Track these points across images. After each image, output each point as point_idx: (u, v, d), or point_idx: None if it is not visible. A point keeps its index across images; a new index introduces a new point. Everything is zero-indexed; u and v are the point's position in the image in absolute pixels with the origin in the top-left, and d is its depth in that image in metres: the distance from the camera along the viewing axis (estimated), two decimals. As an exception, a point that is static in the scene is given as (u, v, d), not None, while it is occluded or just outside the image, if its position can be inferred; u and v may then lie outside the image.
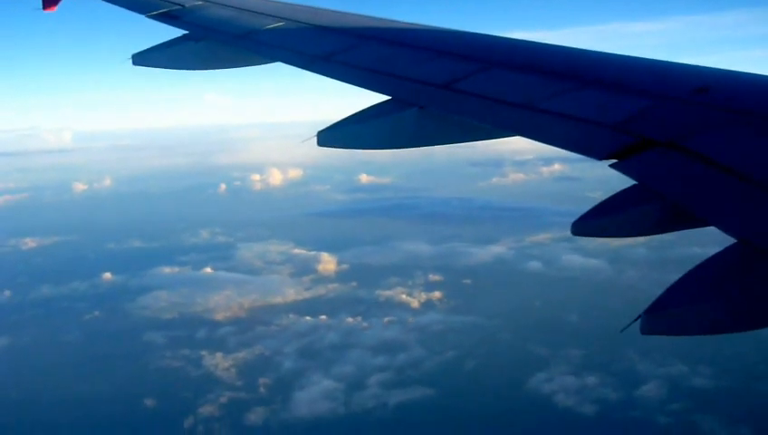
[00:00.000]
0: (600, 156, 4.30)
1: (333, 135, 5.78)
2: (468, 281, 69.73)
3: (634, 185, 4.01)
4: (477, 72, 5.82)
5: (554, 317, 57.53)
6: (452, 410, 43.17)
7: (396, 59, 6.47)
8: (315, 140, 5.75)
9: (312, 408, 44.64)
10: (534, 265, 75.10)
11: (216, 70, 8.10)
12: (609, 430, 40.57)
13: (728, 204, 3.58)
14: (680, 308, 3.36)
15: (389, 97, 5.85)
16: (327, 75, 6.48)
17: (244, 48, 7.56)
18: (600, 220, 4.14)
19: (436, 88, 5.74)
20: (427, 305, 63.43)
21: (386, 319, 60.32)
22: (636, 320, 3.38)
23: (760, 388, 42.85)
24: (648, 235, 4.11)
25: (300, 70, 6.89)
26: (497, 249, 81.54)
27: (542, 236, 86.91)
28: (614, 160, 4.22)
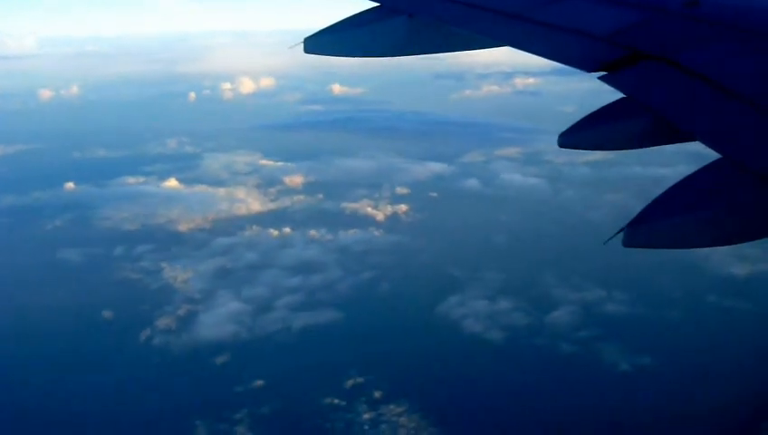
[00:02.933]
0: (589, 68, 4.19)
1: (320, 42, 5.60)
2: (400, 198, 68.02)
3: (623, 98, 3.95)
4: None
5: (481, 238, 56.24)
6: (353, 336, 41.60)
7: None
8: (299, 47, 5.58)
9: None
10: (472, 182, 73.57)
11: None
12: (511, 357, 39.03)
13: (715, 120, 3.57)
14: (663, 221, 3.32)
15: (378, 4, 5.64)
16: None
17: None
18: (587, 132, 4.06)
19: None
20: (355, 223, 61.67)
21: (311, 232, 59.08)
22: (619, 232, 3.35)
23: (671, 316, 42.34)
24: (634, 148, 4.05)
25: None
26: (437, 166, 79.59)
27: (485, 153, 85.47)
28: (603, 73, 4.13)
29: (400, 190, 70.26)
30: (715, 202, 3.26)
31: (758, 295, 43.58)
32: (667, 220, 3.31)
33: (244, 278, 50.28)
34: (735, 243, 3.43)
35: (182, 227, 61.54)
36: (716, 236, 3.36)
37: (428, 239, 56.83)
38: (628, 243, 3.36)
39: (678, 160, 65.52)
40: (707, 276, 46.52)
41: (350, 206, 66.25)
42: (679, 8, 4.59)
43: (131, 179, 78.13)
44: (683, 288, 45.43)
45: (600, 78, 4.14)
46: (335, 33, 5.63)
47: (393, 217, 63.02)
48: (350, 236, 58.27)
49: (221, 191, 72.58)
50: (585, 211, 61.87)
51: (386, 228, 60.04)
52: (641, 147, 4.02)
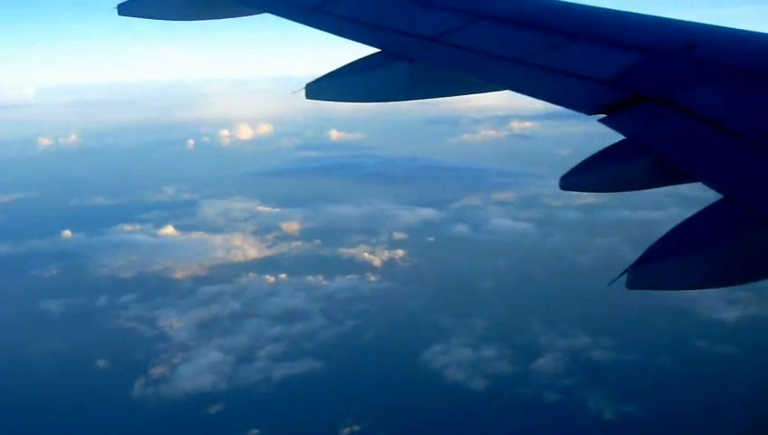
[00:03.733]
0: (590, 111, 4.24)
1: (322, 87, 5.65)
2: (389, 245, 67.46)
3: (623, 140, 3.98)
4: (467, 26, 5.73)
5: (468, 284, 55.53)
6: (334, 386, 40.89)
7: (386, 11, 6.35)
8: (301, 93, 5.65)
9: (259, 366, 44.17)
10: (461, 228, 73.13)
11: (194, 21, 8.02)
12: (493, 406, 38.26)
13: (716, 160, 3.60)
14: (666, 262, 3.29)
15: (379, 50, 5.70)
16: (316, 27, 6.35)
17: None
18: (588, 175, 4.06)
19: (427, 41, 5.64)
20: (351, 269, 60.99)
21: (308, 278, 58.39)
22: (622, 274, 3.30)
23: (659, 362, 41.78)
24: (635, 190, 4.06)
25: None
26: (426, 212, 79.13)
27: (477, 198, 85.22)
28: (603, 115, 4.18)
29: (397, 236, 70.02)
30: (717, 243, 3.25)
31: (747, 341, 43.10)
32: (670, 261, 3.29)
33: (230, 327, 49.70)
34: (739, 284, 3.43)
35: (178, 275, 61.22)
36: (719, 278, 3.35)
37: (415, 286, 56.22)
38: (631, 284, 3.32)
39: (669, 204, 65.87)
40: (697, 321, 46.02)
41: (346, 251, 66.28)
42: (678, 50, 4.67)
43: (128, 227, 77.82)
44: (671, 333, 44.90)
45: (600, 120, 4.18)
46: (337, 79, 5.68)
47: (390, 263, 62.64)
48: (337, 283, 57.58)
49: (218, 238, 72.25)
50: (574, 256, 61.53)
51: (382, 274, 59.65)
52: (643, 188, 4.04)
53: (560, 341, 44.94)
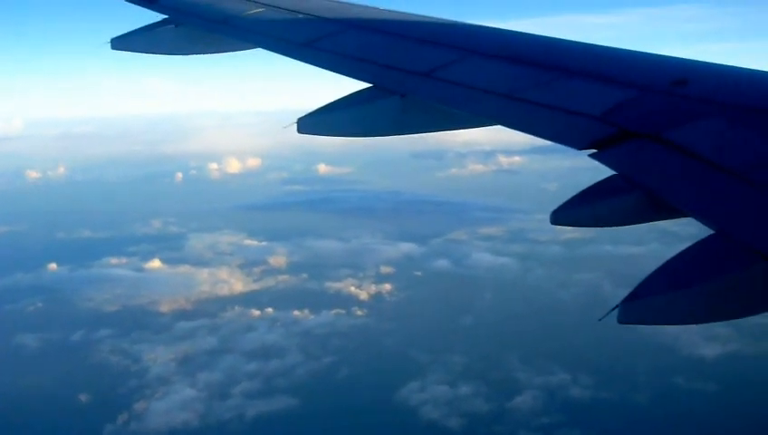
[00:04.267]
0: (581, 146, 4.29)
1: (314, 122, 5.68)
2: (375, 280, 67.19)
3: (613, 175, 3.99)
4: (459, 61, 5.76)
5: (447, 320, 55.19)
6: (308, 424, 40.54)
7: (378, 46, 6.39)
8: (290, 127, 5.70)
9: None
10: (442, 263, 72.69)
11: (189, 55, 8.07)
12: None
13: (706, 196, 3.62)
14: (658, 297, 3.30)
15: (371, 84, 5.72)
16: (308, 62, 6.34)
17: (225, 33, 7.43)
18: (579, 210, 4.10)
19: (418, 76, 5.65)
20: (338, 303, 60.94)
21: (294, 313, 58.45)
22: (614, 309, 3.29)
23: (637, 400, 41.39)
24: (626, 225, 4.06)
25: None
26: (408, 246, 78.81)
27: (459, 232, 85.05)
28: (594, 151, 4.22)
29: (382, 270, 69.78)
30: (709, 278, 3.22)
31: (727, 377, 43.00)
32: (661, 296, 3.29)
33: (206, 363, 49.41)
34: (730, 319, 3.42)
35: (163, 309, 60.88)
36: (711, 312, 3.35)
37: (394, 321, 55.84)
38: (623, 319, 3.29)
39: (651, 239, 66.09)
40: (677, 358, 45.86)
41: (333, 285, 66.28)
42: (667, 87, 4.70)
43: (114, 260, 77.32)
44: (652, 370, 44.64)
45: (590, 156, 4.20)
46: (328, 114, 5.69)
47: (376, 297, 62.47)
48: (315, 319, 57.26)
49: (204, 272, 71.87)
50: (554, 291, 61.40)
51: (369, 307, 59.52)
52: (633, 223, 4.04)
53: (538, 378, 44.61)
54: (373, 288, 64.81)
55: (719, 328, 45.46)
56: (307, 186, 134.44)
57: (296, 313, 59.04)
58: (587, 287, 59.95)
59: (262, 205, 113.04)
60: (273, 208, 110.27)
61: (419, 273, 69.99)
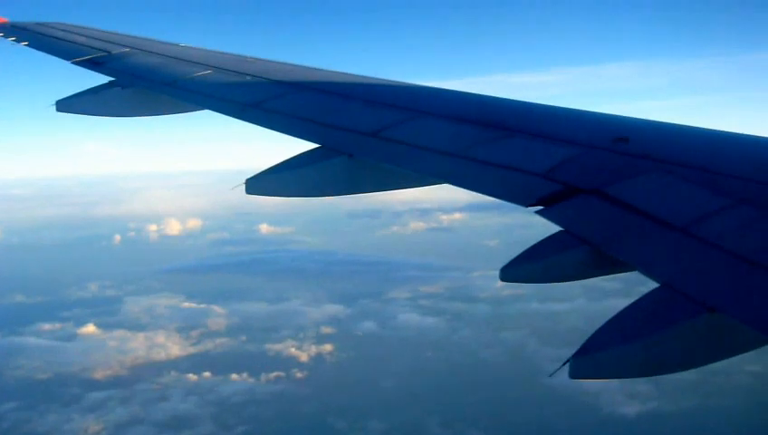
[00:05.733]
0: (527, 203, 4.34)
1: (262, 182, 5.62)
2: (308, 341, 66.46)
3: (560, 231, 4.04)
4: (405, 121, 5.81)
5: (369, 383, 54.50)
6: None
7: (325, 107, 6.40)
8: (234, 187, 5.64)
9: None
10: (368, 325, 71.99)
11: (134, 117, 7.91)
12: None
13: (651, 249, 3.67)
14: (607, 351, 3.30)
15: (319, 145, 5.73)
16: (256, 123, 6.30)
17: (173, 95, 7.39)
18: (528, 266, 4.08)
19: (365, 136, 5.69)
20: (277, 365, 60.07)
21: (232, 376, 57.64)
22: (565, 364, 3.31)
23: None
24: (575, 280, 4.08)
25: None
26: (334, 308, 77.97)
27: (389, 293, 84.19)
28: (540, 207, 4.28)
29: (325, 330, 69.52)
30: (656, 330, 3.25)
31: (647, 436, 42.45)
32: (610, 350, 3.29)
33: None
34: (679, 371, 3.44)
35: (97, 375, 59.62)
36: (660, 365, 3.38)
37: (314, 386, 54.81)
38: (574, 374, 3.28)
39: (577, 295, 67.21)
40: (597, 417, 46.03)
41: (273, 347, 65.86)
42: (610, 144, 4.79)
43: (47, 326, 74.50)
44: (573, 430, 44.64)
45: (537, 212, 4.23)
46: (277, 174, 5.65)
47: (317, 358, 62.11)
48: (230, 386, 56.06)
49: (140, 336, 70.04)
50: (479, 351, 61.19)
51: (270, 378, 58.43)
52: (580, 278, 4.05)
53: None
54: (314, 349, 64.28)
55: (640, 385, 45.86)
56: (247, 246, 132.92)
57: (235, 376, 58.37)
58: (511, 346, 60.08)
59: (200, 266, 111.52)
60: (212, 270, 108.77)
61: (344, 336, 68.89)
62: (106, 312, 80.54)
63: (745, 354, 3.48)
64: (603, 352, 3.30)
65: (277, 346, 65.70)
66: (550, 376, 3.85)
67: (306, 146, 5.79)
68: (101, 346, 67.03)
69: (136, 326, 74.16)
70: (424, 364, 58.82)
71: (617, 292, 62.26)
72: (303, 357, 62.80)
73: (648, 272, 3.51)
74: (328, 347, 65.27)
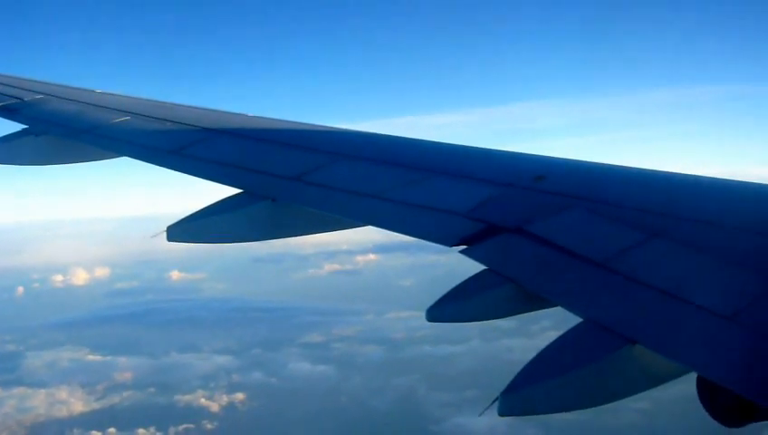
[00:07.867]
0: (450, 243, 4.32)
1: (183, 229, 5.47)
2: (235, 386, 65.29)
3: (484, 270, 4.03)
4: (327, 165, 5.78)
5: None
6: None
7: (247, 152, 6.30)
8: (155, 235, 5.44)
9: None
10: (256, 375, 70.56)
11: (54, 165, 7.62)
12: None
13: (571, 284, 3.72)
14: (534, 387, 3.32)
15: (241, 190, 5.61)
16: (176, 169, 6.16)
17: (89, 142, 7.11)
18: (454, 305, 4.05)
19: (288, 180, 5.64)
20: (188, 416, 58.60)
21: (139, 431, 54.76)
22: (494, 402, 3.27)
23: None
24: (501, 317, 4.06)
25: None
26: (223, 359, 76.11)
27: (282, 340, 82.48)
28: (463, 247, 4.26)
29: (237, 378, 67.95)
30: (581, 364, 3.29)
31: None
32: (537, 386, 3.32)
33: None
34: (606, 403, 3.46)
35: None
36: (587, 398, 3.39)
37: None
38: (502, 412, 3.27)
39: (473, 336, 67.41)
40: None
41: (183, 398, 64.00)
42: (529, 182, 4.89)
43: (-61, 384, 71.39)
44: None
45: (460, 252, 4.22)
46: (199, 220, 5.50)
47: (230, 408, 60.53)
48: None
49: (41, 393, 66.83)
50: (369, 398, 60.40)
51: (220, 420, 57.31)
52: (507, 316, 4.04)
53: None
54: (225, 398, 62.77)
55: (530, 429, 44.87)
56: (153, 295, 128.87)
57: (142, 431, 56.38)
58: (402, 393, 59.41)
59: (106, 317, 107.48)
60: (116, 320, 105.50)
61: (230, 387, 66.93)
62: (5, 369, 76.43)
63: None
64: (530, 388, 3.33)
65: (187, 397, 63.57)
66: (480, 415, 3.81)
67: (228, 191, 5.68)
68: (4, 403, 63.56)
69: (37, 383, 70.57)
70: (312, 416, 57.28)
71: (512, 331, 63.41)
72: (215, 407, 61.13)
73: (571, 307, 3.56)
74: (240, 396, 64.12)
